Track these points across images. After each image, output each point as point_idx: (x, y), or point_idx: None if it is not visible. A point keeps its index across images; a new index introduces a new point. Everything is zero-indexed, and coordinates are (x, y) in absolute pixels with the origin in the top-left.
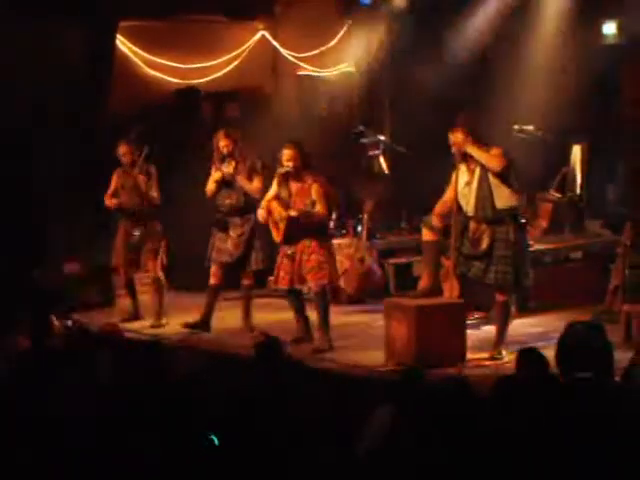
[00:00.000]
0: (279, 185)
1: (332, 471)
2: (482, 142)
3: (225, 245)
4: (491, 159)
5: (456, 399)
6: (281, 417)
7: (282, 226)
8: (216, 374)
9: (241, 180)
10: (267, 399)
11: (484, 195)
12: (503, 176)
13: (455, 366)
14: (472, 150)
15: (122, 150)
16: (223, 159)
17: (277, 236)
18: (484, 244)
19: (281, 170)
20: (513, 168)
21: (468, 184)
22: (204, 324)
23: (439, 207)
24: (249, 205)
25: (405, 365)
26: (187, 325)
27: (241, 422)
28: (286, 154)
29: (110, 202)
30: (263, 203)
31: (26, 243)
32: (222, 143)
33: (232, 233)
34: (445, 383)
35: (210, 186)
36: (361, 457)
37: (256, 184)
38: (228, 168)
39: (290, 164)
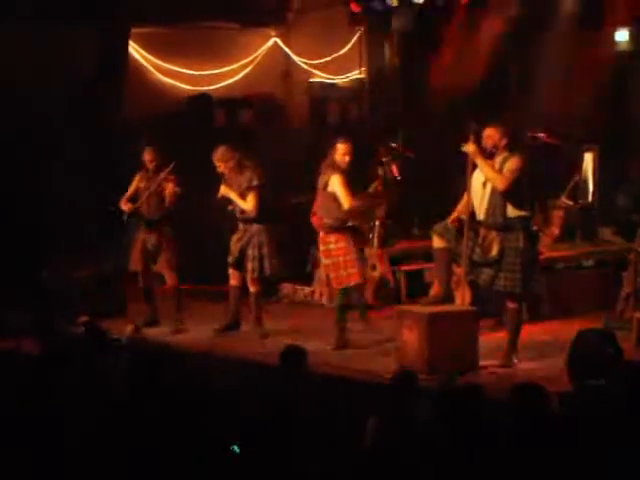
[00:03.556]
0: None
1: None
2: (511, 146)
3: (230, 247)
4: (497, 179)
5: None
6: (299, 421)
7: None
8: (229, 380)
9: (235, 198)
10: (289, 405)
11: (496, 202)
12: (506, 195)
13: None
14: (480, 165)
15: (148, 157)
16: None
17: None
18: (494, 251)
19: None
20: (528, 178)
21: (484, 185)
22: (234, 324)
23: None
24: (248, 216)
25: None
26: (217, 330)
27: (261, 428)
28: (343, 148)
29: (126, 206)
30: None
31: (36, 246)
32: (216, 163)
33: (234, 237)
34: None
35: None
36: (360, 459)
37: (249, 202)
38: (221, 191)
39: (347, 158)
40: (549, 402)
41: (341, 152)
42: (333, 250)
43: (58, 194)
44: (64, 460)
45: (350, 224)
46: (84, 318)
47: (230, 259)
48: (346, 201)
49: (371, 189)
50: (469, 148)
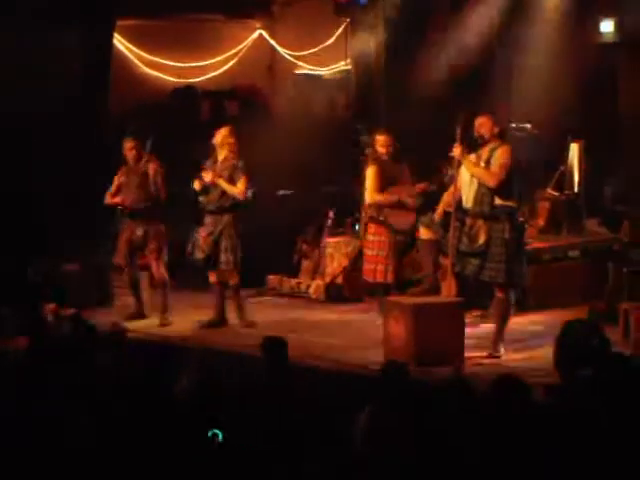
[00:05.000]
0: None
1: (327, 469)
2: (502, 135)
3: (199, 242)
4: (486, 177)
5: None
6: (282, 413)
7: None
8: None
9: (223, 183)
10: (270, 396)
11: (484, 191)
12: (496, 191)
13: (453, 365)
14: (467, 164)
15: (128, 145)
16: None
17: None
18: (480, 240)
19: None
20: (517, 170)
21: (473, 176)
22: (220, 320)
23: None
24: (224, 206)
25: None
26: (202, 325)
27: (245, 418)
28: (381, 140)
29: (111, 200)
30: None
31: (25, 241)
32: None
33: (203, 231)
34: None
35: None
36: (353, 454)
37: (240, 186)
38: (207, 175)
39: (384, 150)
40: (528, 394)
41: (379, 143)
42: (369, 242)
43: (44, 189)
44: (62, 459)
45: (381, 218)
46: (71, 311)
47: (199, 254)
48: (368, 195)
49: (433, 183)
50: (456, 152)
